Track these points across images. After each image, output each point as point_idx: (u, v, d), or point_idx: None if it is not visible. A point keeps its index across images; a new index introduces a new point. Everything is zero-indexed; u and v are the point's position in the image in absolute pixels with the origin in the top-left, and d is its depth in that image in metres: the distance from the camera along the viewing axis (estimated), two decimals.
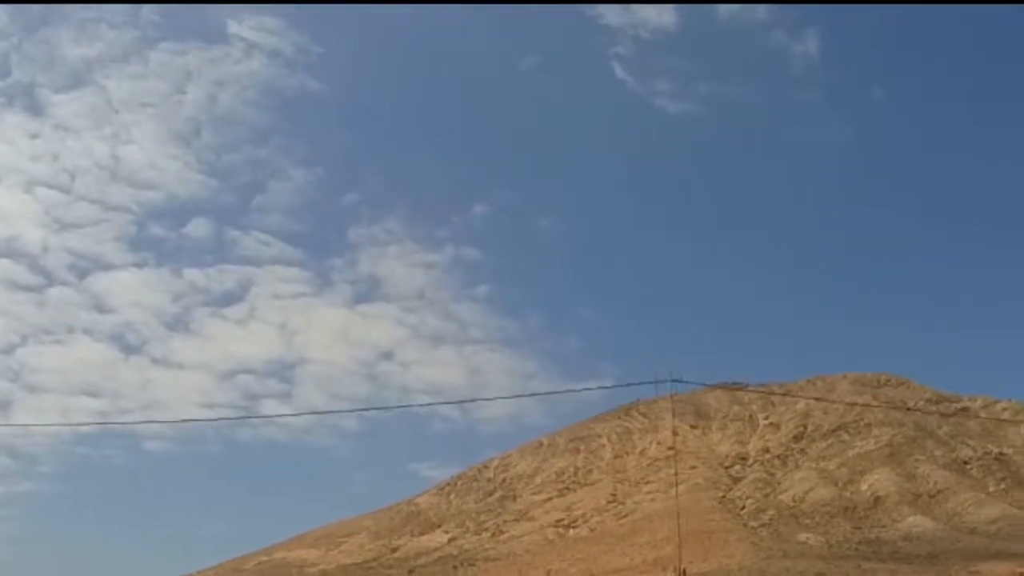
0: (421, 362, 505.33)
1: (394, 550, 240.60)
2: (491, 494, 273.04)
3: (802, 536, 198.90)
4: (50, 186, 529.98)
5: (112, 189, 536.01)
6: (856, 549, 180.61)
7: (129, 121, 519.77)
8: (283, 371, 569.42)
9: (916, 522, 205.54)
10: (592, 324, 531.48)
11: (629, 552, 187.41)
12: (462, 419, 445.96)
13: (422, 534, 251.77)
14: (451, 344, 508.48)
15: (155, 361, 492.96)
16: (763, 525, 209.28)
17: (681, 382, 39.77)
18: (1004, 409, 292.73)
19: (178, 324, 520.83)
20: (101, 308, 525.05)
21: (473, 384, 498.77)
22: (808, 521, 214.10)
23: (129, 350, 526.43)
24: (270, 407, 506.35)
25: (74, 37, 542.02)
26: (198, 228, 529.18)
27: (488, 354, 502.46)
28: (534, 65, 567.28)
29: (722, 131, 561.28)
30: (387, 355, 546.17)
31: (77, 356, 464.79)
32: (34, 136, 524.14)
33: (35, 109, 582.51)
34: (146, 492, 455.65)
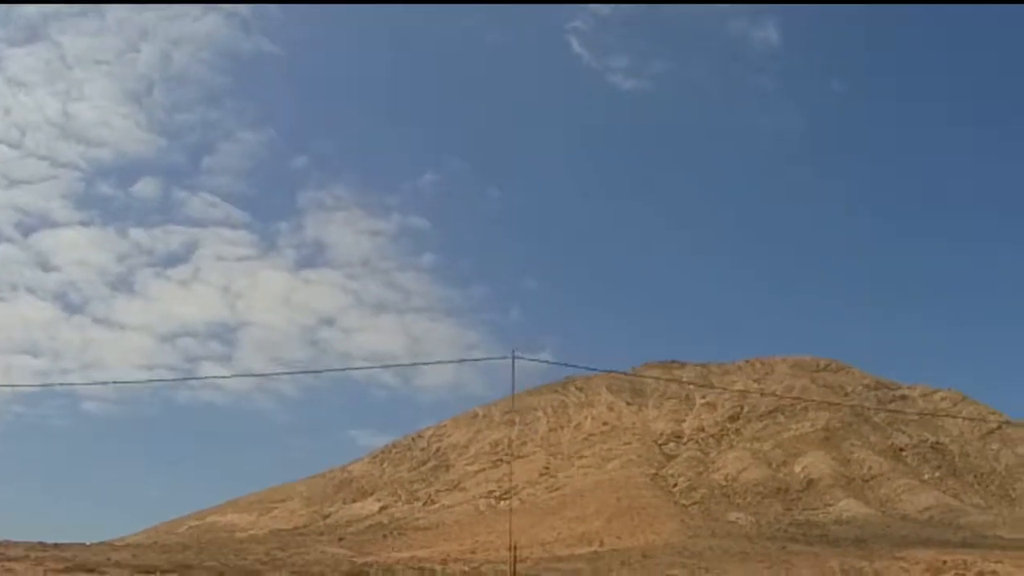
0: (362, 329, 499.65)
1: (326, 517, 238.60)
2: (424, 463, 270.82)
3: (732, 516, 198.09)
4: None
5: (62, 146, 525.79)
6: (786, 531, 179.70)
7: (82, 78, 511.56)
8: (224, 334, 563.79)
9: (848, 506, 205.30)
10: (535, 296, 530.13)
11: (557, 526, 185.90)
12: (402, 387, 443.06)
13: (354, 501, 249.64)
14: (393, 312, 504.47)
15: (97, 321, 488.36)
16: (694, 503, 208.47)
17: (523, 359, 37.27)
18: (943, 399, 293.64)
19: (122, 284, 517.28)
20: (45, 266, 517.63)
21: (413, 352, 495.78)
22: (740, 501, 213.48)
23: (71, 309, 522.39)
24: (210, 370, 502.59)
25: None
26: (146, 187, 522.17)
27: (430, 323, 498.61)
28: (490, 36, 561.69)
29: (675, 111, 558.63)
30: (329, 321, 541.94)
31: (19, 314, 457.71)
32: None
33: None
34: (84, 453, 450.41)
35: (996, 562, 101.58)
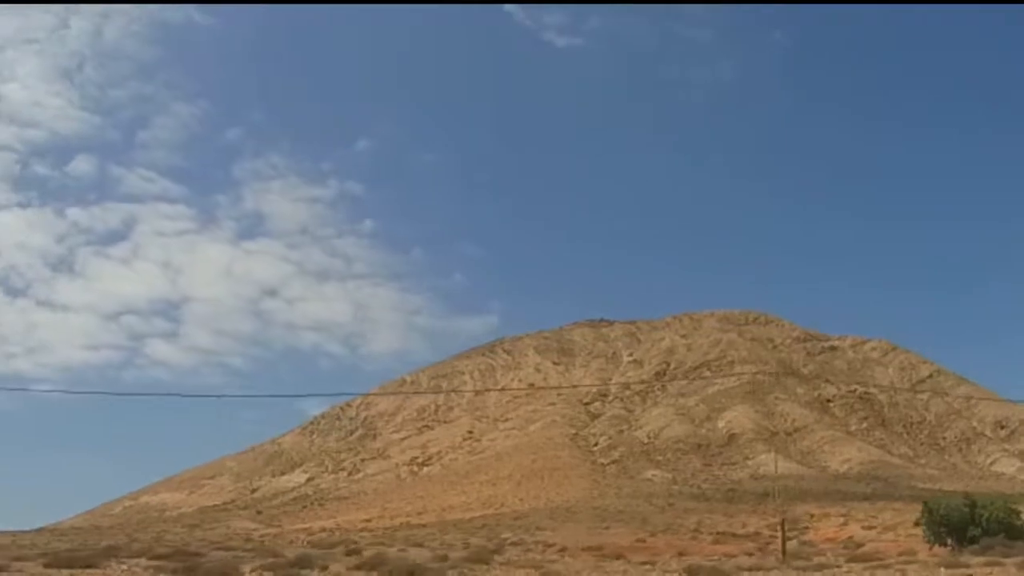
0: (306, 298, 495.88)
1: (253, 491, 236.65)
2: (352, 433, 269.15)
3: (649, 473, 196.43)
4: None
5: None
6: (699, 487, 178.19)
7: (12, 58, 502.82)
8: (168, 310, 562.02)
9: (766, 460, 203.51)
10: (476, 260, 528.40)
11: (468, 490, 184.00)
12: (348, 356, 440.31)
13: (282, 474, 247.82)
14: (336, 280, 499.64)
15: (40, 303, 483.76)
16: (613, 462, 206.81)
17: None
18: (873, 349, 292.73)
19: (62, 265, 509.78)
20: None
21: (359, 319, 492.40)
22: (660, 458, 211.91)
23: (14, 293, 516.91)
24: (156, 347, 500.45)
25: None
26: (81, 166, 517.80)
27: (373, 289, 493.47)
28: None
29: (610, 67, 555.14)
30: (272, 292, 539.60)
31: None
32: None
33: None
34: (31, 435, 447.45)
35: (854, 514, 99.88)
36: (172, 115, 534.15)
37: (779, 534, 54.62)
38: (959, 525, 51.28)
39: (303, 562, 31.41)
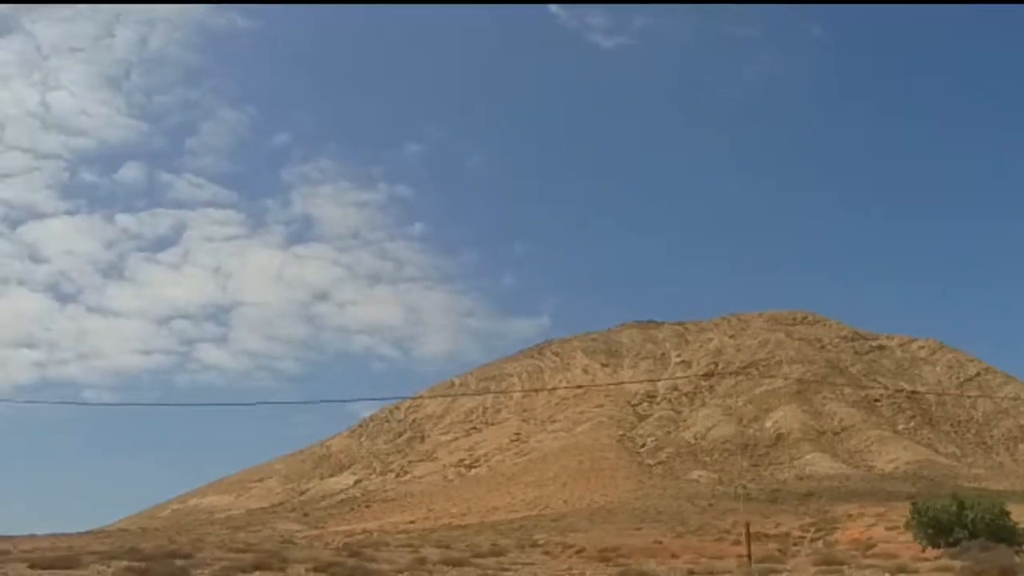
0: (357, 302, 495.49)
1: (302, 493, 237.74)
2: (400, 435, 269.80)
3: (695, 473, 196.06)
4: None
5: (43, 137, 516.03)
6: (745, 487, 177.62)
7: (58, 66, 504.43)
8: (219, 315, 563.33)
9: (813, 460, 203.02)
10: (526, 260, 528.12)
11: (513, 491, 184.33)
12: (401, 359, 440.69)
13: (331, 476, 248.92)
14: (387, 283, 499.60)
15: (91, 309, 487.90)
16: (659, 463, 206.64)
17: None
18: (921, 348, 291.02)
19: (112, 271, 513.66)
20: (35, 258, 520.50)
21: (410, 322, 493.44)
22: (706, 458, 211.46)
23: (65, 299, 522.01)
24: (207, 351, 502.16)
25: None
26: (130, 173, 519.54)
27: (424, 292, 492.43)
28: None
29: (654, 66, 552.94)
30: (323, 296, 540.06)
31: (13, 307, 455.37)
32: None
33: None
34: (81, 441, 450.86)
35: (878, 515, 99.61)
36: (219, 121, 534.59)
37: (747, 537, 54.42)
38: (946, 527, 51.21)
39: (261, 564, 31.95)
